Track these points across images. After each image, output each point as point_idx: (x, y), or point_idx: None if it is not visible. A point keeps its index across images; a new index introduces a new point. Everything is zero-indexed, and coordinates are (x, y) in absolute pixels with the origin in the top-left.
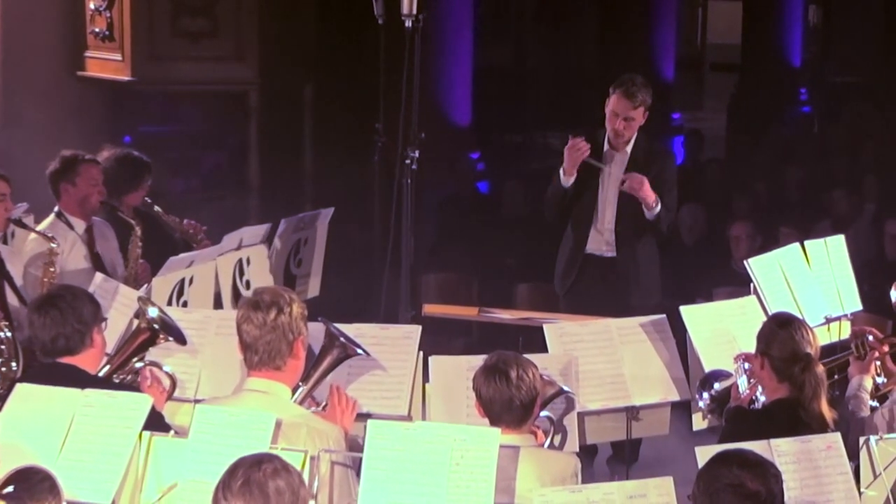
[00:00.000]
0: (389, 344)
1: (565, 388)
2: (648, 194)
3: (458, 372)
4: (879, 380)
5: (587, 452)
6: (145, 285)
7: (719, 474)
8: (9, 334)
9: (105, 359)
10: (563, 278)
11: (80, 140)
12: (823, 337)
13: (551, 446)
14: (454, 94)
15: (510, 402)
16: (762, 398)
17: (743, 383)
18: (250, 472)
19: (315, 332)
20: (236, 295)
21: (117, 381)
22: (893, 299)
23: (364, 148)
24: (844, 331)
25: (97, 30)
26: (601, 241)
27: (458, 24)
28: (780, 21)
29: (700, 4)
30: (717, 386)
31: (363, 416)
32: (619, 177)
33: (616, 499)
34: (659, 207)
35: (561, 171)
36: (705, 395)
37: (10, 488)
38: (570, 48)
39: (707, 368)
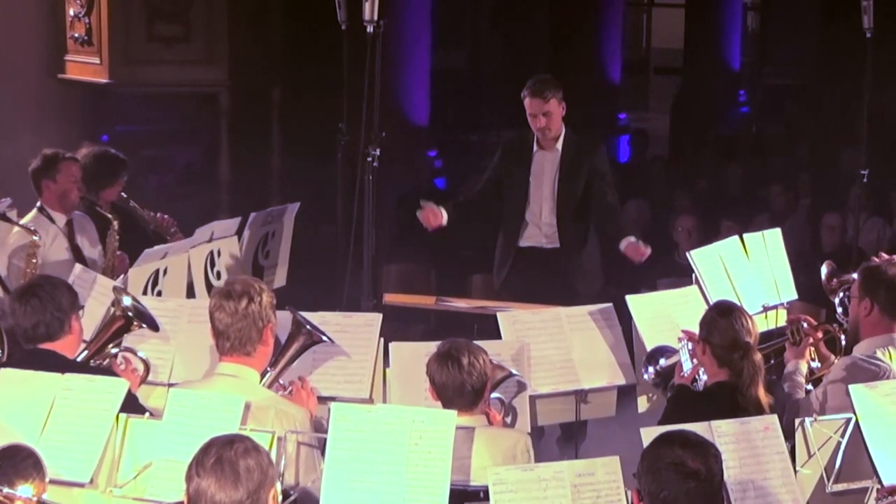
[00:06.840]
0: (352, 331)
1: (514, 372)
2: (645, 254)
3: (416, 357)
4: (814, 364)
5: (537, 433)
6: (122, 275)
7: (662, 453)
8: None
9: (83, 345)
10: (498, 271)
11: (61, 139)
12: (761, 324)
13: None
14: (413, 95)
15: (462, 387)
16: (704, 377)
17: (686, 362)
18: (223, 451)
19: (282, 319)
20: (208, 285)
21: (94, 365)
22: (823, 275)
23: (328, 146)
24: (781, 318)
25: (77, 35)
26: (539, 234)
27: (416, 29)
28: (720, 27)
29: (645, 11)
30: (662, 362)
31: (327, 399)
32: (552, 174)
33: (566, 477)
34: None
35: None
36: (651, 369)
37: None
38: (523, 52)
39: None
